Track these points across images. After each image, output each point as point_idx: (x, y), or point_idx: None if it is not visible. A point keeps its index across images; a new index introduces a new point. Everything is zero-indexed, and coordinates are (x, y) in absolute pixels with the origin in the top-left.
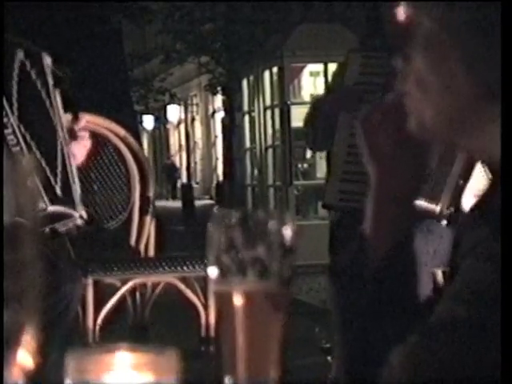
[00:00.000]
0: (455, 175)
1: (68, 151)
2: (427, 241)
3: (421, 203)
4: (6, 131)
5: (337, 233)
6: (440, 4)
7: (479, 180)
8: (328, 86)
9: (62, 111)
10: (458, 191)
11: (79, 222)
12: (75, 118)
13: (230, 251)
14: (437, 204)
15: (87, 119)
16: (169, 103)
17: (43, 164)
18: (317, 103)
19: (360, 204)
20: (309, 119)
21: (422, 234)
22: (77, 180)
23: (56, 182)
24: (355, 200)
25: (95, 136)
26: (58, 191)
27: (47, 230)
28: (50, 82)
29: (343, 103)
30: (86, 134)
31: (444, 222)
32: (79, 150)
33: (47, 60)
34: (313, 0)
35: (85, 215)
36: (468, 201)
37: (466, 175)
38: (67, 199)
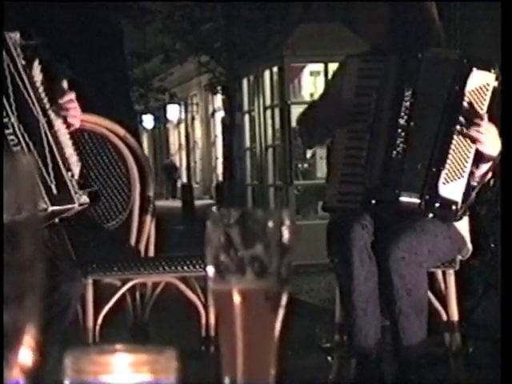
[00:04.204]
0: (428, 163)
1: (51, 137)
2: (421, 240)
3: (408, 199)
4: (7, 131)
5: (334, 232)
6: None
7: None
8: (326, 89)
9: (41, 88)
10: (434, 178)
11: (80, 208)
12: (58, 89)
13: (228, 250)
14: (417, 196)
15: (87, 119)
16: (169, 103)
17: (40, 164)
18: (312, 109)
19: (358, 204)
20: (303, 121)
21: (416, 233)
22: (74, 159)
23: (51, 181)
24: (353, 201)
25: (95, 135)
26: (54, 190)
27: (57, 220)
28: (22, 62)
29: (337, 118)
30: (72, 100)
31: (430, 215)
32: (72, 119)
33: (14, 38)
34: (313, 0)
35: (86, 200)
36: (445, 188)
37: (439, 162)
38: (64, 195)
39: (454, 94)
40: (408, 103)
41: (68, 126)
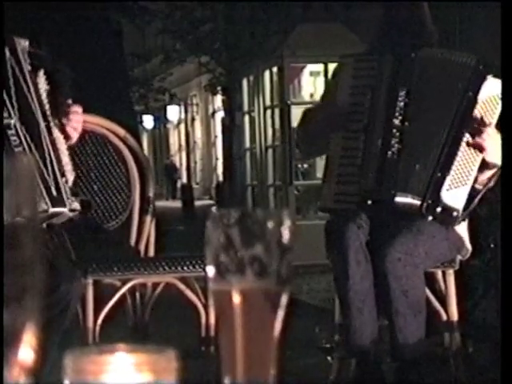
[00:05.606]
0: (433, 167)
1: (51, 142)
2: (417, 242)
3: (404, 199)
4: (9, 132)
5: (331, 233)
6: None
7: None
8: (325, 92)
9: (44, 95)
10: (438, 183)
11: (71, 215)
12: (62, 99)
13: (228, 250)
14: (420, 198)
15: (87, 119)
16: (169, 103)
17: (41, 165)
18: (307, 117)
19: (354, 205)
20: (300, 131)
21: (412, 234)
22: (69, 167)
23: (51, 182)
24: (349, 201)
25: (95, 136)
26: (54, 191)
27: (44, 226)
28: (28, 67)
29: (331, 124)
30: (77, 113)
31: (430, 217)
32: (71, 131)
33: (23, 44)
34: (313, 0)
35: (77, 206)
36: (448, 194)
37: (445, 168)
38: (61, 197)
39: (467, 100)
40: (402, 103)
41: (66, 137)
